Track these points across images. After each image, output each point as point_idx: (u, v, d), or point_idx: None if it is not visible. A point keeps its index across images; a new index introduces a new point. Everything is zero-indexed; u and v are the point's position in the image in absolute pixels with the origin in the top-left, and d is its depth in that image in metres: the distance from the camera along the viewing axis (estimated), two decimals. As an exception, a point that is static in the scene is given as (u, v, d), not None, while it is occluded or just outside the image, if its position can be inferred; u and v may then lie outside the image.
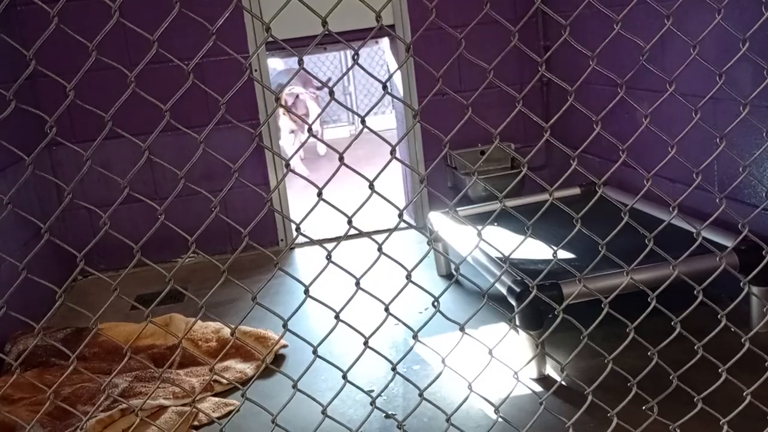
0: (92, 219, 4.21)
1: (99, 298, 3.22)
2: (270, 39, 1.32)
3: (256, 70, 4.16)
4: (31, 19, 3.90)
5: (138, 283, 3.73)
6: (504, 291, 2.67)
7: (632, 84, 3.46)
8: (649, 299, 1.59)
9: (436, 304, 1.47)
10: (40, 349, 2.96)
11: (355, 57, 1.30)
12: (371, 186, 1.33)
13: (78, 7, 3.69)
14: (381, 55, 8.55)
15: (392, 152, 1.32)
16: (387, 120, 7.64)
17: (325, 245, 1.40)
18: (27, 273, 1.33)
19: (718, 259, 1.63)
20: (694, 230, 1.58)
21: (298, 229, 1.35)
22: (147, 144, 1.27)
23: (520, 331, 2.58)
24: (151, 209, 1.64)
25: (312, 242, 1.59)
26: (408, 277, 1.41)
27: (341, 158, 1.34)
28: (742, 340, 1.67)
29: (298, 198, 4.79)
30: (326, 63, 8.91)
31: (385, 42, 4.73)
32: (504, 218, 3.32)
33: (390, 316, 1.47)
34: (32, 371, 2.85)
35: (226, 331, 3.07)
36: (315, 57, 8.06)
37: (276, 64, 7.16)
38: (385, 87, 1.31)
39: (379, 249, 1.37)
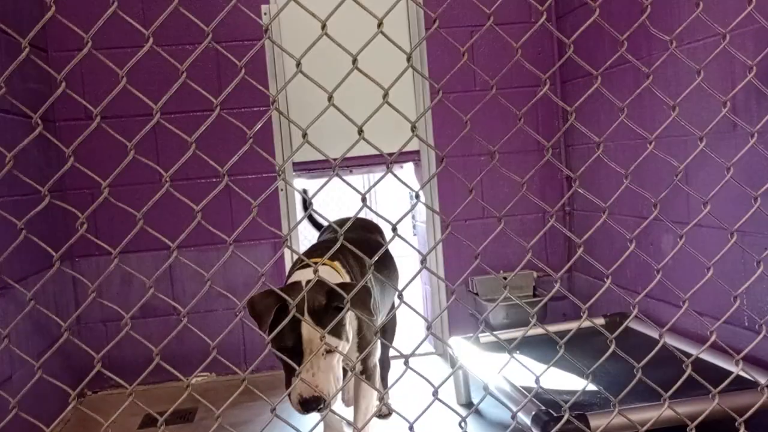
0: (108, 334, 4.16)
1: (107, 416, 3.13)
2: (299, 156, 1.33)
3: (282, 189, 4.23)
4: (66, 133, 4.04)
5: (147, 401, 3.63)
6: (528, 421, 2.56)
7: (658, 215, 3.46)
8: (687, 430, 1.51)
9: (463, 424, 1.40)
10: (43, 465, 2.84)
11: (390, 166, 1.31)
12: (400, 296, 1.30)
13: (113, 107, 3.82)
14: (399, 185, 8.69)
15: (422, 261, 1.30)
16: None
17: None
18: (40, 379, 1.29)
19: (759, 389, 1.56)
20: (723, 365, 1.52)
21: (322, 338, 1.32)
22: (175, 245, 1.27)
23: (545, 464, 2.45)
24: (167, 328, 1.64)
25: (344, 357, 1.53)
26: (435, 394, 1.35)
27: (370, 266, 1.32)
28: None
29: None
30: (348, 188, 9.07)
31: (409, 167, 4.81)
32: (526, 346, 3.24)
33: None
34: (32, 488, 2.73)
35: (236, 454, 2.94)
36: (339, 181, 8.20)
37: (300, 186, 7.26)
38: (417, 196, 1.31)
39: (406, 362, 1.33)
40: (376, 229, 3.38)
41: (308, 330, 2.06)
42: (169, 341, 1.49)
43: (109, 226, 4.07)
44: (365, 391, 2.61)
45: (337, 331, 2.13)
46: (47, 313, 1.45)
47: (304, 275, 2.39)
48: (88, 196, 4.10)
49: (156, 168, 1.39)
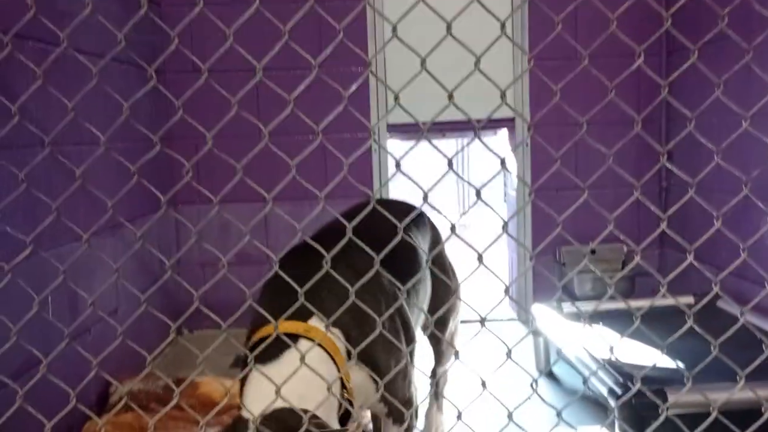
0: (205, 277, 4.39)
1: (201, 354, 3.31)
2: (395, 118, 1.38)
3: (375, 150, 4.31)
4: (173, 84, 4.23)
5: (239, 342, 3.82)
6: (605, 392, 2.58)
7: (759, 193, 3.35)
8: (763, 409, 1.50)
9: (534, 385, 1.44)
10: (142, 394, 3.07)
11: (477, 132, 1.34)
12: (480, 258, 1.34)
13: (217, 62, 3.96)
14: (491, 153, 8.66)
15: (504, 227, 1.34)
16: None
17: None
18: (142, 315, 1.41)
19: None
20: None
21: (396, 297, 1.38)
22: (271, 196, 1.35)
23: (619, 435, 2.47)
24: (260, 275, 1.75)
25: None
26: (508, 354, 1.40)
27: (453, 228, 1.37)
28: None
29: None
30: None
31: (503, 133, 4.79)
32: (611, 320, 3.23)
33: (485, 395, 1.45)
34: (132, 413, 2.95)
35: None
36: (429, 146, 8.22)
37: (394, 147, 7.32)
38: (503, 163, 1.34)
39: (482, 322, 1.38)
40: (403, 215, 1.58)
41: None
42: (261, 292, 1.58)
43: (210, 175, 4.25)
44: None
45: None
46: (153, 251, 1.58)
47: (263, 393, 1.49)
48: (192, 146, 4.28)
49: (256, 123, 1.47)
